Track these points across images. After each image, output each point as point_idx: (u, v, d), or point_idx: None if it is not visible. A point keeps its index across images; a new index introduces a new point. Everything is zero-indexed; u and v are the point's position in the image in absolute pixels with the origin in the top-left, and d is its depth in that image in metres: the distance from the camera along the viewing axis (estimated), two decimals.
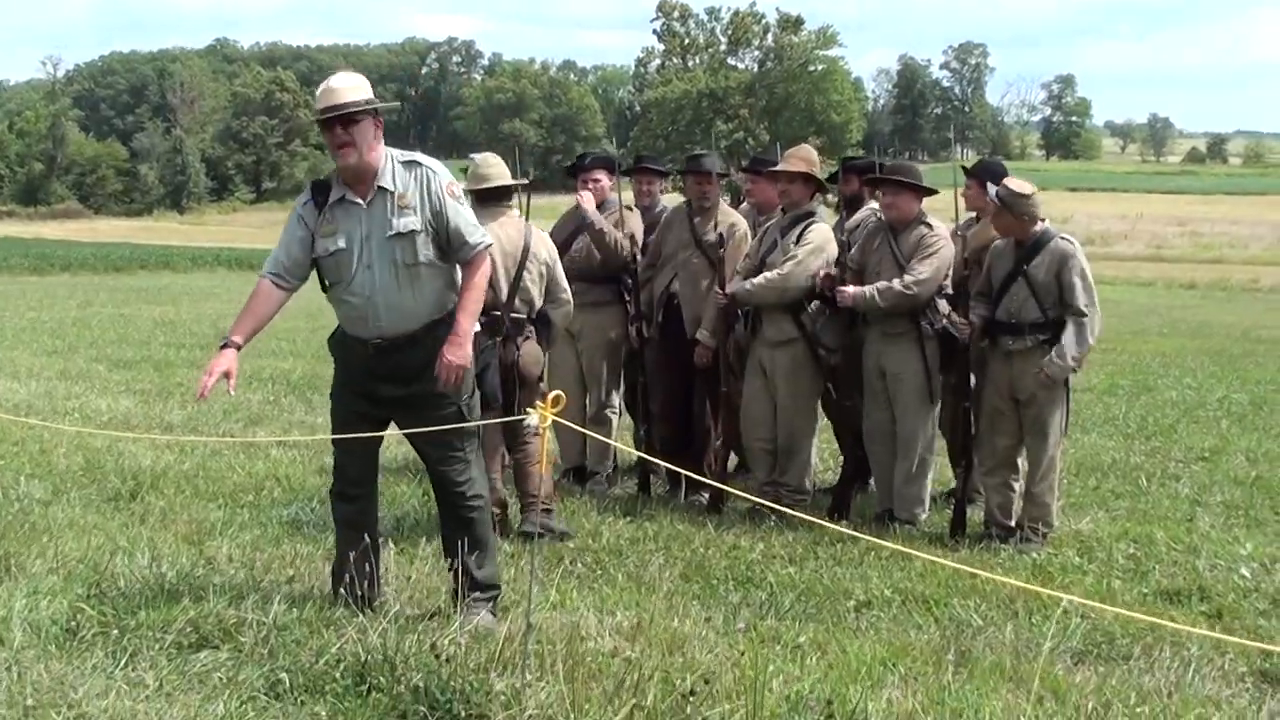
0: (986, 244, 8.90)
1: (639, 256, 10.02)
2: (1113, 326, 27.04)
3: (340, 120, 6.20)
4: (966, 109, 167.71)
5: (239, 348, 6.32)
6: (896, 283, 8.69)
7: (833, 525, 7.94)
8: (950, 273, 8.90)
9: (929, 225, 8.96)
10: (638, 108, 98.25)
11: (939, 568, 7.79)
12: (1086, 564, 8.07)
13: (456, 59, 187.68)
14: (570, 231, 10.23)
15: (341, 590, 6.53)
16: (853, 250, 9.09)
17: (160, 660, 5.69)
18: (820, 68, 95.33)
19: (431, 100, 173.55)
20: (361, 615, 6.01)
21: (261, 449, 11.06)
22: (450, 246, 6.45)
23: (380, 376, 6.52)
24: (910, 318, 8.86)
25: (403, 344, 6.44)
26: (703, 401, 9.81)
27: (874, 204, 9.60)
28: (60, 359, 18.63)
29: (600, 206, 10.12)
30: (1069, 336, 8.35)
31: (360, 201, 6.37)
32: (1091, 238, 77.82)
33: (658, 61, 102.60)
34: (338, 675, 5.50)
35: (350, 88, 6.26)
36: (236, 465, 10.43)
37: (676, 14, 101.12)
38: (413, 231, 6.37)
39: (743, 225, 9.90)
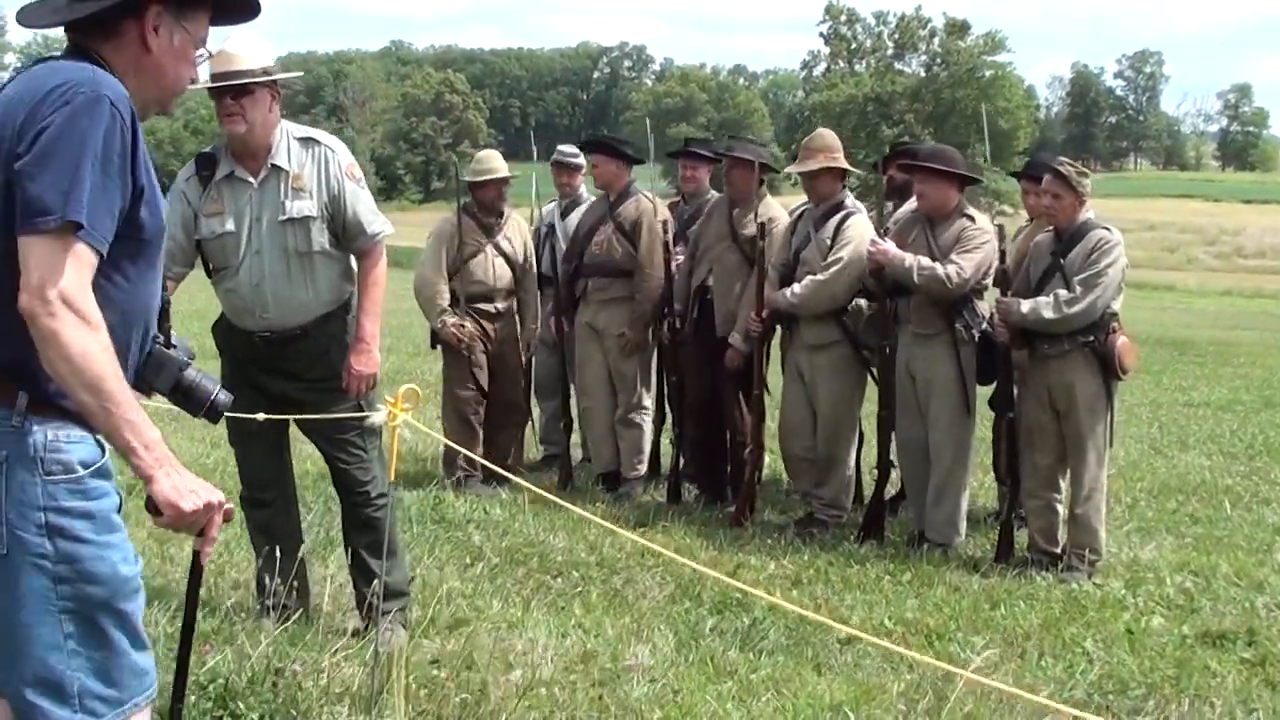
0: None
1: (671, 249, 9.31)
2: (1260, 340, 25.85)
3: (231, 90, 5.54)
4: (1141, 118, 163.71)
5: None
6: (939, 266, 7.81)
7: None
8: (991, 273, 8.00)
9: (970, 218, 8.10)
10: (806, 112, 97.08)
11: (960, 597, 7.04)
12: (1131, 597, 7.15)
13: (628, 64, 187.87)
14: (591, 224, 9.58)
15: (266, 601, 5.94)
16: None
17: None
18: (988, 73, 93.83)
19: (602, 104, 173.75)
20: (275, 628, 5.48)
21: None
22: (346, 235, 5.83)
23: (269, 371, 5.90)
24: (945, 317, 8.00)
25: (292, 337, 5.83)
26: (733, 404, 9.05)
27: None
28: None
29: (616, 195, 9.55)
30: (1048, 299, 7.52)
31: (251, 179, 5.74)
32: (1263, 250, 75.26)
33: (824, 65, 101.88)
34: (194, 700, 4.86)
35: (246, 55, 5.55)
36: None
37: (844, 17, 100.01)
38: (307, 217, 5.76)
39: (782, 219, 9.10)
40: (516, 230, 9.69)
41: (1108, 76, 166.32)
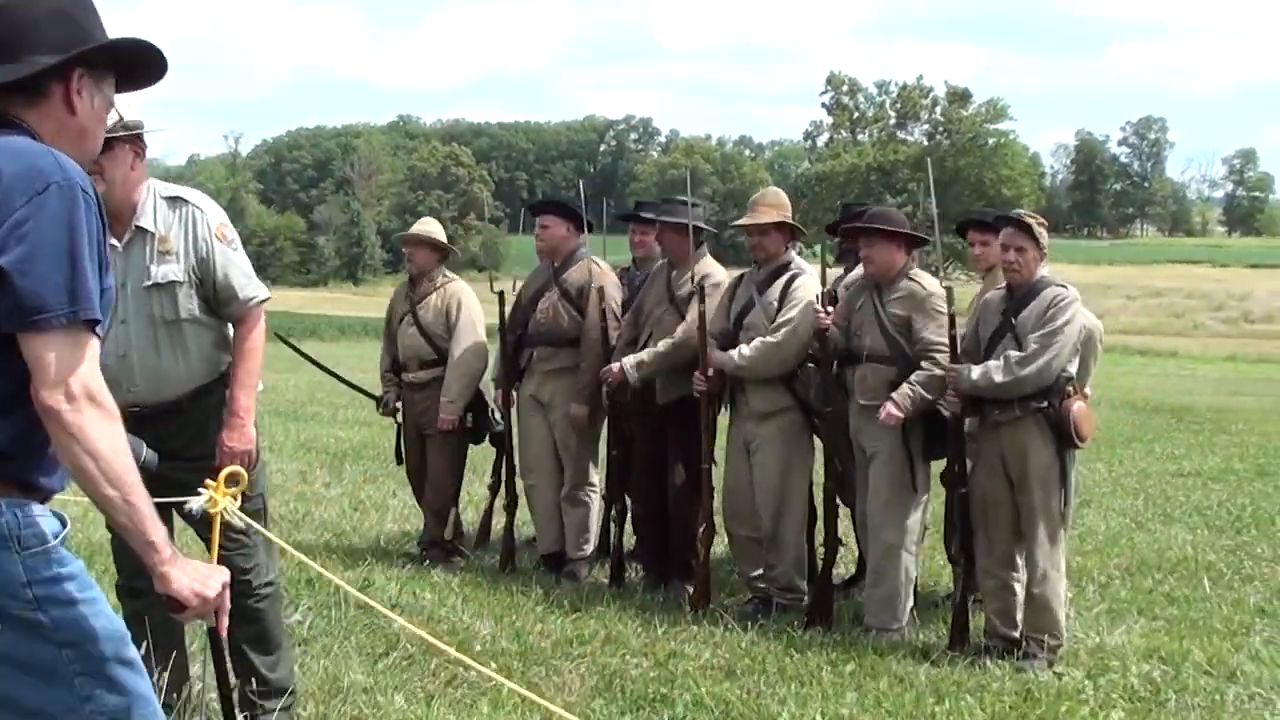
0: None
1: (619, 317, 8.86)
2: (1259, 407, 25.27)
3: None
4: (1146, 184, 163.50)
5: None
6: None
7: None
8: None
9: (916, 281, 7.62)
10: (810, 182, 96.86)
11: (904, 689, 6.50)
12: (1091, 688, 6.57)
13: (634, 136, 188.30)
14: (536, 289, 9.12)
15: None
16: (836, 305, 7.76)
17: None
18: (991, 141, 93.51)
19: (609, 176, 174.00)
20: None
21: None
22: (218, 300, 5.36)
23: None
24: (888, 386, 7.52)
25: (166, 413, 5.32)
26: (682, 478, 8.51)
27: None
28: None
29: (561, 260, 9.05)
30: (998, 362, 7.00)
31: (115, 243, 5.23)
32: (1270, 314, 74.80)
33: (826, 135, 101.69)
34: None
35: None
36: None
37: (845, 87, 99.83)
38: (173, 282, 5.28)
39: (719, 276, 8.62)
40: (443, 299, 9.25)
41: (1112, 144, 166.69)
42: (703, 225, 8.73)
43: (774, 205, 8.20)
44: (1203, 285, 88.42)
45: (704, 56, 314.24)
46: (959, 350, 7.20)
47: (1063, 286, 7.12)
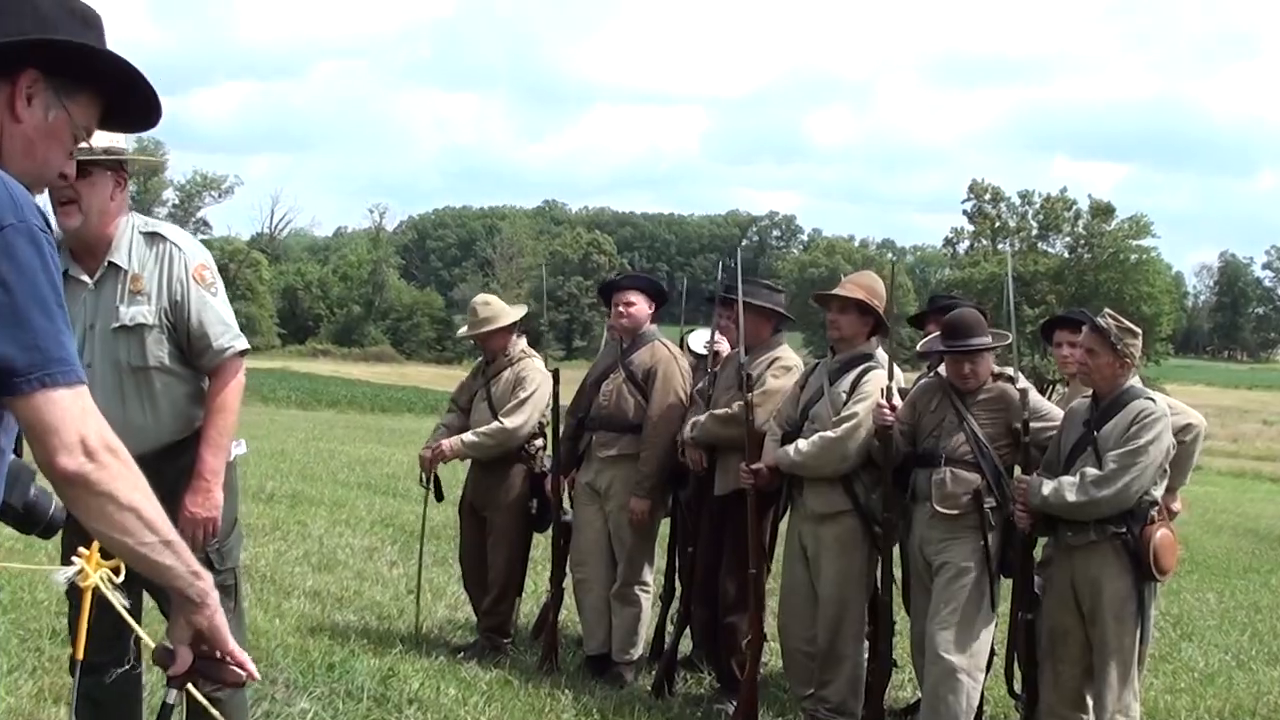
0: None
1: (681, 402, 8.36)
2: None
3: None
4: None
5: None
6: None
7: None
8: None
9: (1010, 379, 7.02)
10: (948, 288, 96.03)
11: None
12: None
13: (776, 232, 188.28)
14: (602, 370, 8.65)
15: None
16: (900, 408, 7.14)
17: None
18: (1133, 257, 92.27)
19: (750, 271, 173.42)
20: None
21: None
22: (191, 349, 4.95)
23: None
24: (973, 496, 6.88)
25: None
26: (735, 583, 7.93)
27: None
28: None
29: (633, 339, 8.53)
30: (1073, 479, 6.37)
31: (87, 279, 4.88)
32: None
33: (967, 242, 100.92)
34: None
35: None
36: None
37: (988, 195, 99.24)
38: (141, 325, 4.87)
39: (790, 360, 8.11)
40: (515, 374, 8.82)
41: (1256, 266, 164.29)
42: (777, 309, 8.24)
43: (861, 285, 7.61)
44: None
45: (850, 158, 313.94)
46: (1030, 460, 6.60)
47: (1150, 399, 6.48)
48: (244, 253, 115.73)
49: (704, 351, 8.95)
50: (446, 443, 8.86)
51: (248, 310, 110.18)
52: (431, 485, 9.05)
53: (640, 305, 8.59)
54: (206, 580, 2.79)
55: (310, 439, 29.19)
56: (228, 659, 2.89)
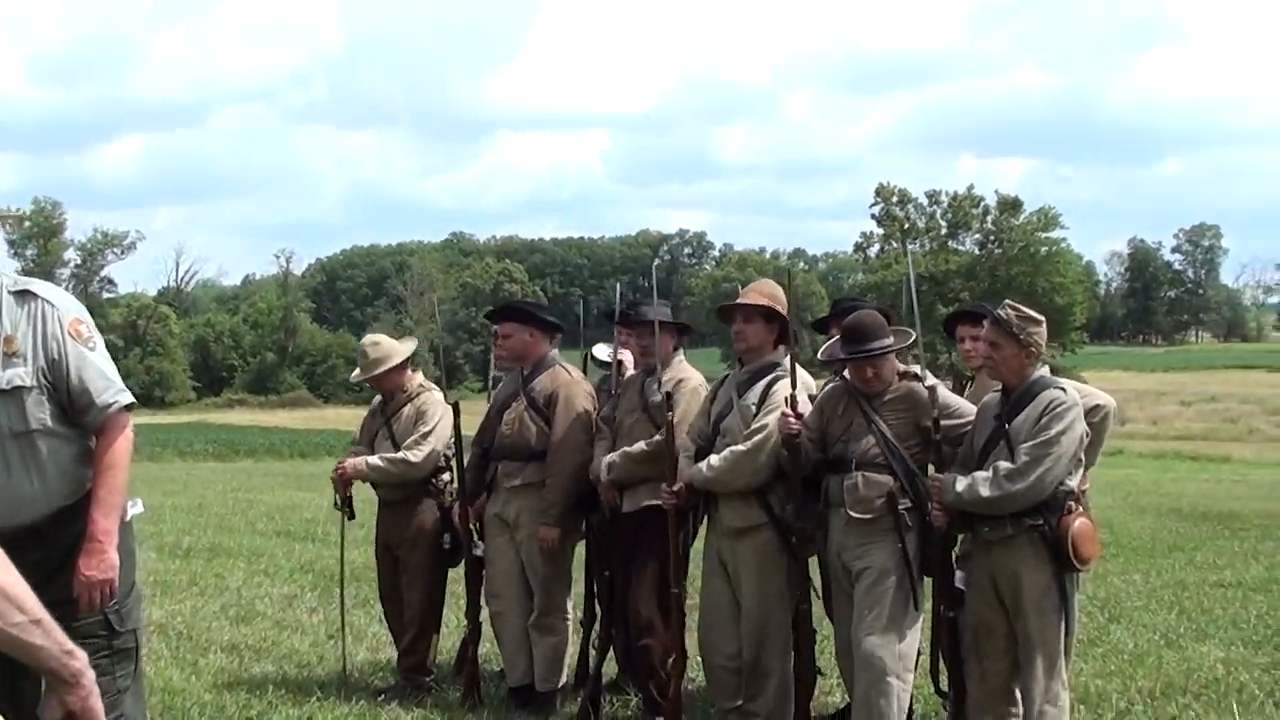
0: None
1: (583, 429, 8.23)
2: None
3: None
4: (1200, 291, 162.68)
5: None
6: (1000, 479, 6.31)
7: None
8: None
9: (917, 377, 6.92)
10: (861, 293, 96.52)
11: None
12: None
13: (688, 250, 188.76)
14: (503, 399, 8.50)
15: None
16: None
17: None
18: (1044, 250, 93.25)
19: (663, 291, 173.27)
20: None
21: None
22: (74, 408, 4.72)
23: None
24: (888, 499, 6.78)
25: (20, 541, 4.47)
26: (644, 600, 7.80)
27: None
28: None
29: (530, 367, 8.44)
30: (986, 474, 6.28)
31: None
32: None
33: (877, 246, 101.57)
34: None
35: None
36: None
37: (895, 198, 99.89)
38: (19, 387, 4.64)
39: (694, 380, 7.97)
40: (415, 408, 8.69)
41: (1166, 251, 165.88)
42: (671, 320, 8.15)
43: (763, 292, 7.47)
44: (1258, 390, 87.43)
45: (757, 172, 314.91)
46: (943, 458, 6.51)
47: (1060, 389, 6.39)
48: (151, 308, 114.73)
49: (608, 359, 8.81)
50: (350, 461, 8.74)
51: (159, 365, 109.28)
52: (346, 506, 8.90)
53: (517, 336, 8.46)
54: (80, 659, 2.67)
55: (229, 490, 28.73)
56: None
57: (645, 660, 7.83)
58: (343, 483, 8.77)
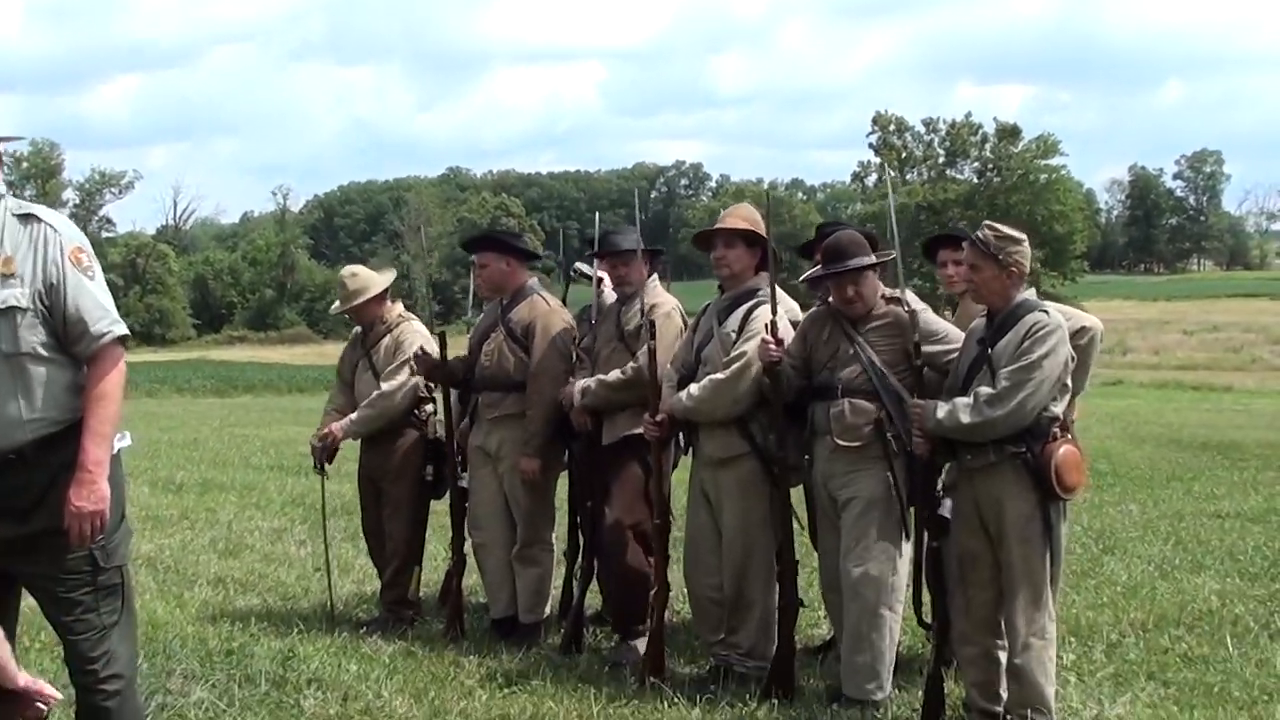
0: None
1: (563, 358, 8.12)
2: None
3: None
4: (1202, 219, 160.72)
5: None
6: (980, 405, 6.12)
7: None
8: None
9: (899, 301, 6.77)
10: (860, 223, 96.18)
11: None
12: None
13: (684, 182, 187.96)
14: (483, 331, 8.37)
15: None
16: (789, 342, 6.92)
17: None
18: (1043, 177, 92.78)
19: (660, 223, 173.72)
20: None
21: None
22: (68, 335, 4.59)
23: None
24: (875, 426, 6.65)
25: (6, 465, 4.54)
26: (615, 527, 7.71)
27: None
28: None
29: (509, 297, 8.31)
30: (967, 399, 6.12)
31: None
32: None
33: (875, 176, 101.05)
34: None
35: None
36: None
37: (892, 127, 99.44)
38: (13, 308, 4.51)
39: (667, 305, 7.85)
40: (395, 339, 8.61)
41: (1167, 178, 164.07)
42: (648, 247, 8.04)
43: (741, 216, 7.34)
44: (1261, 319, 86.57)
45: (754, 101, 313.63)
46: (927, 383, 6.39)
47: (1044, 312, 6.22)
48: (150, 246, 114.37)
49: (590, 273, 8.65)
50: (336, 426, 8.69)
51: (159, 303, 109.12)
52: (321, 472, 8.97)
53: (494, 265, 8.35)
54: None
55: (225, 425, 28.77)
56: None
57: (620, 590, 7.74)
58: (328, 451, 8.75)
